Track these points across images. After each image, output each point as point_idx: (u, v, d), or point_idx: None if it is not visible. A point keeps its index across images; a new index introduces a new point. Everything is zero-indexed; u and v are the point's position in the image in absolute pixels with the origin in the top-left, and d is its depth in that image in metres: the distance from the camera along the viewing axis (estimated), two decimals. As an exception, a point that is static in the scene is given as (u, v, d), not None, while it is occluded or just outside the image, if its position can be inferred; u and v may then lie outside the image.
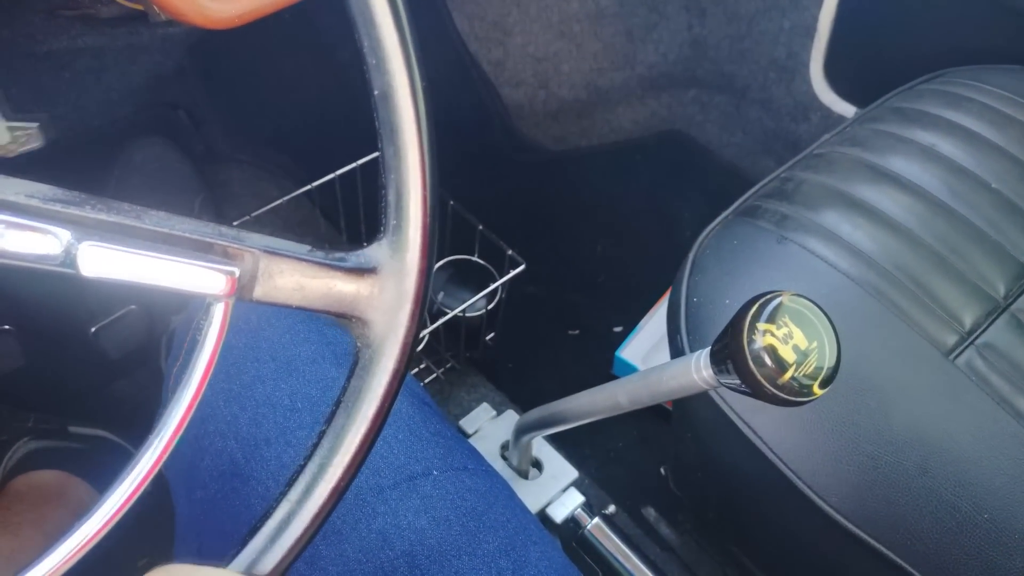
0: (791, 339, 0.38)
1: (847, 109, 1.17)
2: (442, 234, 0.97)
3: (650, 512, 0.94)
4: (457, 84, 1.31)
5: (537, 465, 0.73)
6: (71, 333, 0.95)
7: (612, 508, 0.80)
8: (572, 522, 0.70)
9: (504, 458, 0.73)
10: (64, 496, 0.83)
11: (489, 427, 0.74)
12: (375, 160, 1.00)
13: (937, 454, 0.57)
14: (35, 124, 0.58)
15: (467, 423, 0.74)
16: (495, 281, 0.91)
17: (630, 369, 1.04)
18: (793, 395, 0.38)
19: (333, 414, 0.33)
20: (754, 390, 0.38)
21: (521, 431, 0.66)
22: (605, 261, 1.25)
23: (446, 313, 0.87)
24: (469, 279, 0.95)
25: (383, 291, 0.33)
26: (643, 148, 1.38)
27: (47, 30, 0.73)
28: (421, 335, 0.91)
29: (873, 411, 0.59)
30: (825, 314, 0.39)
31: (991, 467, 0.58)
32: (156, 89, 1.07)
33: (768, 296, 0.38)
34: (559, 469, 0.72)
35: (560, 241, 1.27)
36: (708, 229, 0.72)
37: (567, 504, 0.70)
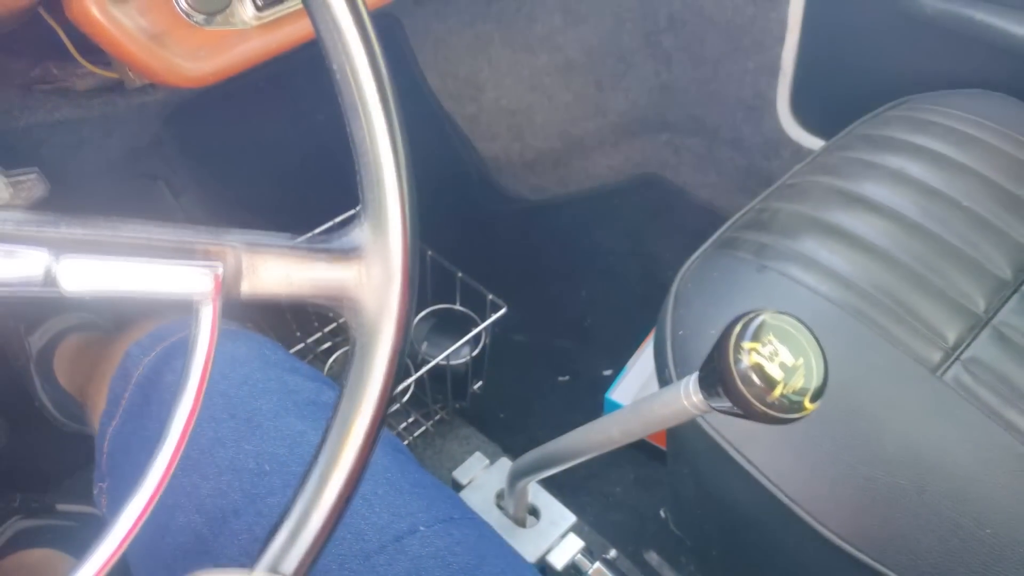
0: (777, 356, 0.38)
1: (816, 143, 1.19)
2: (423, 285, 0.97)
3: (652, 556, 0.92)
4: (434, 140, 1.33)
5: (534, 512, 0.72)
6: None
7: (613, 553, 0.78)
8: (573, 568, 0.69)
9: (500, 507, 0.71)
10: (54, 574, 0.81)
11: (483, 477, 0.73)
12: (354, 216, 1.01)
13: (933, 472, 0.57)
14: (34, 170, 0.57)
15: (460, 473, 0.73)
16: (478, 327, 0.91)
17: (622, 411, 1.03)
18: (784, 412, 0.37)
19: (338, 403, 0.33)
20: (745, 410, 0.38)
21: (516, 476, 0.65)
22: (590, 305, 1.25)
23: (429, 362, 0.86)
24: (452, 328, 0.95)
25: (370, 271, 0.32)
26: (620, 192, 1.40)
27: (24, 104, 0.73)
28: (406, 384, 0.91)
29: (866, 432, 0.59)
30: (809, 329, 0.39)
31: (989, 481, 0.57)
32: (134, 161, 1.08)
33: (750, 315, 0.39)
34: (557, 515, 0.71)
35: (545, 288, 1.27)
36: (689, 262, 0.73)
37: (567, 550, 0.69)
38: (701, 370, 0.41)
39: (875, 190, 0.74)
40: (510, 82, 1.34)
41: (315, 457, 0.32)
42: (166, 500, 0.47)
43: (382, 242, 0.32)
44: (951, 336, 0.64)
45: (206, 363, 0.30)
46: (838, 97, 1.12)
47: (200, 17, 0.47)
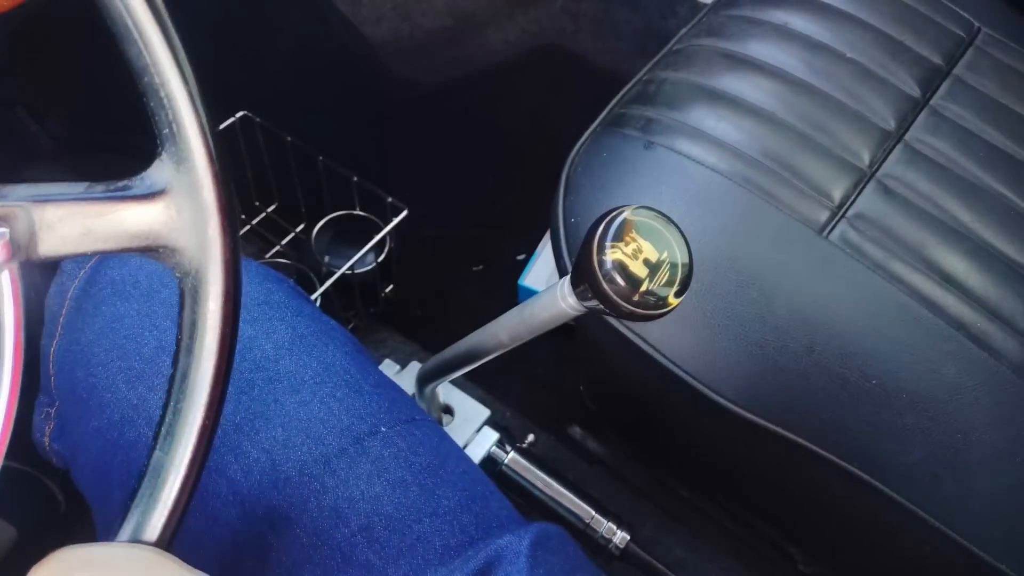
0: (641, 253, 0.37)
1: (711, -3, 1.15)
2: (318, 193, 0.93)
3: (576, 431, 0.95)
4: (314, 31, 1.25)
5: (449, 411, 0.72)
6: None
7: (531, 438, 0.80)
8: (489, 460, 0.70)
9: (413, 410, 0.72)
10: None
11: (395, 382, 0.73)
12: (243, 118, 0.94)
13: (821, 331, 0.59)
14: None
15: (370, 382, 0.73)
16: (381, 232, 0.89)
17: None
18: (650, 309, 0.37)
19: (176, 356, 0.31)
20: (613, 310, 0.37)
21: (422, 382, 0.65)
22: (499, 191, 1.23)
23: (333, 275, 0.84)
24: (355, 236, 0.92)
25: (180, 211, 0.30)
26: (519, 67, 1.35)
27: None
28: (312, 299, 0.89)
29: (756, 300, 0.59)
30: (672, 222, 0.39)
31: (874, 334, 0.59)
32: (-14, 88, 0.99)
33: (612, 214, 0.38)
34: (471, 411, 0.72)
35: (451, 178, 1.24)
36: (577, 145, 0.71)
37: (482, 444, 0.70)
38: (572, 272, 0.40)
39: (760, 49, 0.72)
40: (389, -42, 1.25)
41: (161, 417, 0.31)
42: (113, 416, 0.46)
43: (189, 176, 0.30)
44: (837, 194, 0.65)
45: (16, 334, 0.28)
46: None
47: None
